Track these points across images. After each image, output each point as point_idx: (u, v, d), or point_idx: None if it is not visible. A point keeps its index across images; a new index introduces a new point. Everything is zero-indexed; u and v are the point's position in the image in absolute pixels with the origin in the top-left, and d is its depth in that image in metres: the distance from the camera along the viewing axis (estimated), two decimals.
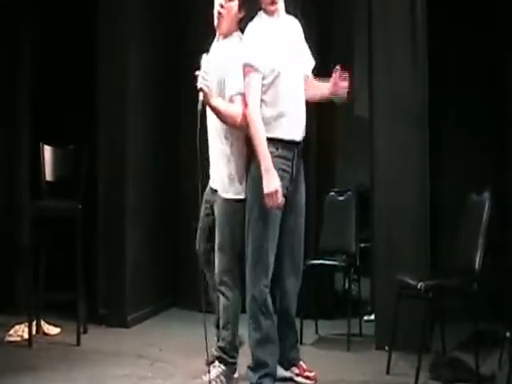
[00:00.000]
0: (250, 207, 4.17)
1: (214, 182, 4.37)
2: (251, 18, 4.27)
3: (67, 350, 5.06)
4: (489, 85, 5.72)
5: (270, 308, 4.21)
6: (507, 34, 5.57)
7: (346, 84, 4.30)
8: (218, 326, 4.43)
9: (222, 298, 4.29)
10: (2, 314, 5.65)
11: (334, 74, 4.29)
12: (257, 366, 4.19)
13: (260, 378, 4.17)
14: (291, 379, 4.44)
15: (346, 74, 4.31)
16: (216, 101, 4.07)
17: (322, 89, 4.41)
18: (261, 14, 4.26)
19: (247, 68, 4.11)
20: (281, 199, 4.05)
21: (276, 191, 4.03)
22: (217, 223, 4.30)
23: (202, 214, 4.50)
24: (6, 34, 6.00)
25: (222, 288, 4.27)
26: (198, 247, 4.53)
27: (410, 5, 5.11)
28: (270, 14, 4.23)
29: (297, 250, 4.36)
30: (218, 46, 4.32)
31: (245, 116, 4.10)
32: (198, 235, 4.52)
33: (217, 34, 4.35)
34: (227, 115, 4.12)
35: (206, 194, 4.46)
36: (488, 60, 5.70)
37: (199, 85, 3.98)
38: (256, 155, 4.09)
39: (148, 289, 6.02)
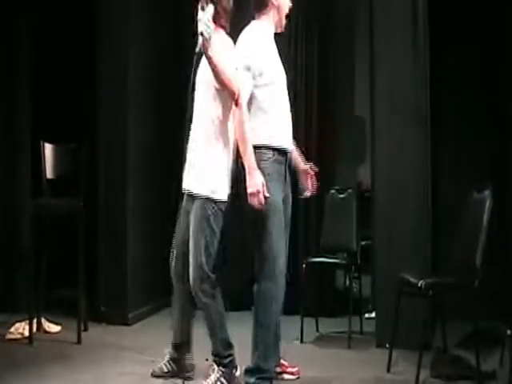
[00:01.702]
0: (258, 216, 4.11)
1: (188, 184, 4.28)
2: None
3: (68, 348, 5.06)
4: (490, 84, 5.73)
5: (279, 312, 4.20)
6: (510, 32, 5.56)
7: (314, 183, 4.51)
8: None
9: (200, 305, 4.22)
10: (3, 312, 5.66)
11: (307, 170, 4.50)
12: (257, 370, 4.14)
13: (257, 379, 4.12)
14: (275, 378, 4.41)
15: (313, 173, 4.50)
16: (213, 51, 4.00)
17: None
18: (258, 22, 4.28)
19: (244, 69, 4.12)
20: (263, 197, 4.03)
21: (258, 191, 4.02)
22: (191, 227, 4.20)
23: (181, 224, 4.37)
24: (6, 33, 6.00)
25: (201, 296, 4.18)
26: (173, 266, 4.41)
27: (412, 3, 5.11)
28: (277, 27, 4.31)
29: (285, 254, 4.36)
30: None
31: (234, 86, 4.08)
32: (174, 252, 4.39)
33: None
34: (222, 71, 4.03)
35: (185, 203, 4.37)
36: (490, 59, 5.70)
37: (200, 28, 3.97)
38: (241, 154, 4.11)
39: (149, 286, 6.02)
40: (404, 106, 5.12)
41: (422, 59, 5.14)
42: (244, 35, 4.25)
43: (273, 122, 4.21)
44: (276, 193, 4.14)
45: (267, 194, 4.05)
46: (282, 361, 4.45)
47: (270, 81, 4.19)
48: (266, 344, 4.13)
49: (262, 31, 4.28)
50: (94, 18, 5.88)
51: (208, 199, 4.16)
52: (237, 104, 4.10)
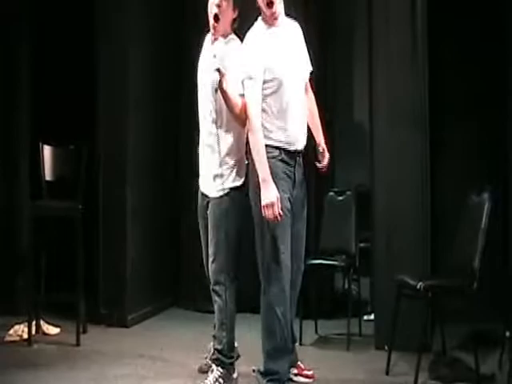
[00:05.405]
0: (260, 216, 4.06)
1: (203, 185, 4.39)
2: (248, 23, 4.26)
3: (67, 350, 5.06)
4: (489, 86, 5.72)
5: (287, 316, 4.12)
6: (510, 33, 5.55)
7: (325, 163, 4.44)
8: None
9: (217, 299, 4.26)
10: (2, 314, 5.63)
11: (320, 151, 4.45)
12: (267, 373, 4.10)
13: (268, 381, 4.09)
14: (291, 380, 4.43)
15: (326, 157, 4.45)
16: (228, 85, 4.08)
17: (312, 123, 4.46)
18: (260, 20, 4.20)
19: (248, 79, 4.08)
20: (278, 210, 3.98)
21: (273, 203, 3.97)
22: (210, 223, 4.28)
23: (201, 229, 4.46)
24: (6, 34, 5.99)
25: (217, 288, 4.24)
26: (205, 262, 4.45)
27: (411, 6, 5.11)
28: (269, 20, 4.16)
29: (299, 255, 4.33)
30: (213, 48, 4.23)
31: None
32: (203, 250, 4.46)
33: (211, 36, 4.33)
34: (235, 103, 4.11)
35: (200, 206, 4.45)
36: (489, 61, 5.69)
37: (217, 65, 4.03)
38: (254, 164, 4.07)
39: (148, 288, 6.02)
40: (403, 108, 5.12)
41: (421, 61, 5.14)
42: (246, 39, 4.19)
43: (279, 122, 4.12)
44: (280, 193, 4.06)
45: (281, 211, 4.00)
46: (299, 363, 4.46)
47: (271, 83, 4.10)
48: (272, 347, 4.08)
49: (263, 29, 4.17)
50: (94, 18, 5.88)
51: (221, 197, 4.26)
52: (247, 116, 4.11)
